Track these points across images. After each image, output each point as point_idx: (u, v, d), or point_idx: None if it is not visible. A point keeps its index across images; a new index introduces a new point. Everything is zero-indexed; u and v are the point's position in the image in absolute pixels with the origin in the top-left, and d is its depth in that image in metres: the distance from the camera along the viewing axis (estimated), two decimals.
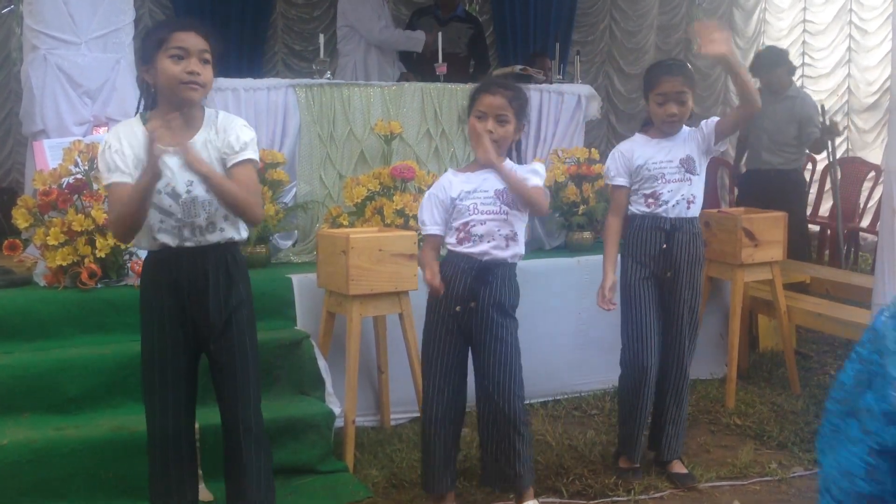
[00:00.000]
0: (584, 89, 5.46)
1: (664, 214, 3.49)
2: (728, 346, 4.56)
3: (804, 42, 10.70)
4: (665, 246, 3.49)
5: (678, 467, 3.58)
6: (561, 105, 5.33)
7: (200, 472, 3.30)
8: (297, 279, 4.07)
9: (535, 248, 5.16)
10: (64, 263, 3.70)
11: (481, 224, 3.06)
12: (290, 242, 4.75)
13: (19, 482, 3.08)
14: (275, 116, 4.72)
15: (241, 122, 2.79)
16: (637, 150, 3.55)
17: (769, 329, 5.30)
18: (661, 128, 3.52)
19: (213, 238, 2.73)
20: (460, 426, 3.26)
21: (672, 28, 10.01)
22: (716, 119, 3.57)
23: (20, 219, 3.80)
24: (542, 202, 3.16)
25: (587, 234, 4.94)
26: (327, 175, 4.79)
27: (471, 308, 3.08)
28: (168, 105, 2.68)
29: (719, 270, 4.61)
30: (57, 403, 3.39)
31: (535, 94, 5.27)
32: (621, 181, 3.57)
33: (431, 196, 3.16)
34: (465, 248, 3.08)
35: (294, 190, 4.72)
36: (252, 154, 2.73)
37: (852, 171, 8.09)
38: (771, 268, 4.54)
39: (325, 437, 3.57)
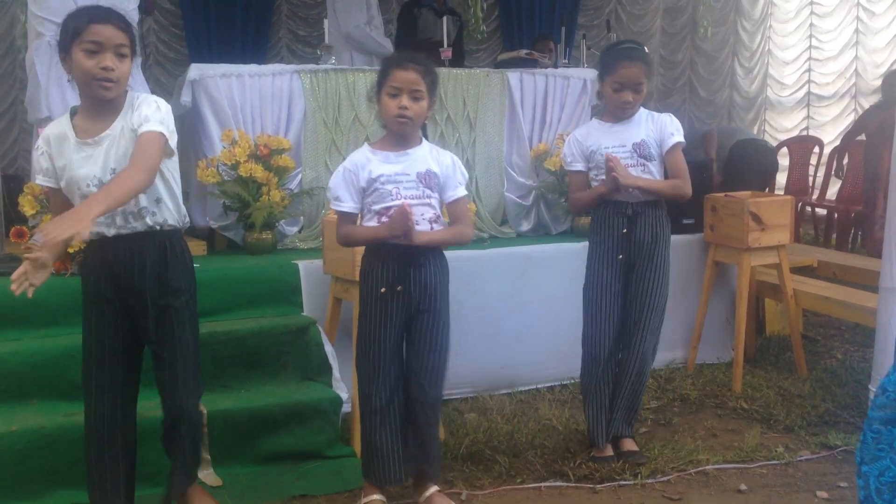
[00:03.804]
0: (590, 73, 5.43)
1: (625, 200, 3.49)
2: (735, 331, 4.56)
3: (811, 24, 10.64)
4: (626, 231, 3.49)
5: (629, 445, 3.57)
6: (567, 89, 5.31)
7: (209, 456, 3.32)
8: (303, 265, 4.08)
9: (542, 233, 5.17)
10: (71, 251, 3.71)
11: None
12: (295, 229, 4.76)
13: (29, 468, 3.10)
14: (280, 102, 4.72)
15: (152, 99, 2.69)
16: (591, 135, 3.56)
17: (776, 313, 5.30)
18: (613, 113, 3.54)
19: (147, 223, 2.69)
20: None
21: (678, 11, 9.95)
22: (676, 146, 3.49)
23: (27, 206, 3.82)
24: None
25: None
26: (333, 161, 4.77)
27: (398, 291, 2.97)
28: (87, 98, 2.64)
29: (726, 255, 4.60)
30: (65, 390, 3.40)
31: (541, 78, 5.26)
32: (579, 166, 3.59)
33: (347, 172, 2.98)
34: None
35: (299, 176, 4.73)
36: (152, 126, 2.59)
37: (860, 153, 8.02)
38: (778, 251, 4.52)
39: (332, 423, 3.58)
